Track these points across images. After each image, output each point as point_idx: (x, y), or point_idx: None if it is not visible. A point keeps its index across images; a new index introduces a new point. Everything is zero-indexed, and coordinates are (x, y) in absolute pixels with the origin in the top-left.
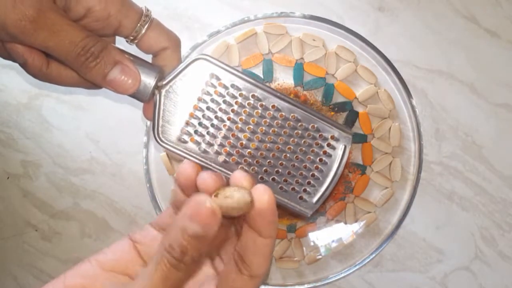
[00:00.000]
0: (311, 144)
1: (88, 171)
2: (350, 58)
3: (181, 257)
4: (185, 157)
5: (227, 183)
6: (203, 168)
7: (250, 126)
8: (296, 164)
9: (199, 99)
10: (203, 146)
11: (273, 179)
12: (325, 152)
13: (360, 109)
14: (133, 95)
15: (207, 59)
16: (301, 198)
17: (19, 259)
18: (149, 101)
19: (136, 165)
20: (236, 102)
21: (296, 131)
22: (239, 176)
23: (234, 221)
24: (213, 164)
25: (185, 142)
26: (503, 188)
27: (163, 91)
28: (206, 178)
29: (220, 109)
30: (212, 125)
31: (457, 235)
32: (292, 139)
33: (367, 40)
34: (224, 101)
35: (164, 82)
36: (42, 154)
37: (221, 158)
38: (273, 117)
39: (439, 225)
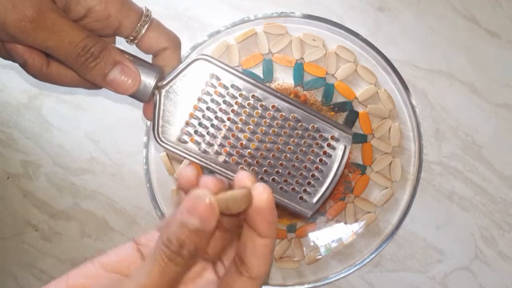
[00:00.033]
0: (311, 144)
1: (88, 171)
2: (350, 58)
3: (178, 251)
4: (185, 157)
5: (229, 187)
6: (203, 168)
7: (250, 126)
8: (296, 164)
9: (199, 99)
10: (203, 146)
11: (273, 179)
12: (325, 152)
13: (360, 109)
14: (133, 95)
15: (207, 59)
16: (301, 198)
17: (19, 259)
18: (149, 101)
19: (136, 165)
20: (236, 102)
21: (296, 131)
22: (243, 176)
23: (235, 225)
24: (213, 164)
25: (185, 142)
26: (503, 188)
27: (163, 91)
28: (207, 181)
29: (220, 109)
30: (212, 125)
31: (457, 235)
32: (292, 139)
33: (367, 40)
34: (224, 101)
35: (164, 82)
36: (42, 154)
37: (221, 158)
38: (273, 117)
39: (439, 225)
